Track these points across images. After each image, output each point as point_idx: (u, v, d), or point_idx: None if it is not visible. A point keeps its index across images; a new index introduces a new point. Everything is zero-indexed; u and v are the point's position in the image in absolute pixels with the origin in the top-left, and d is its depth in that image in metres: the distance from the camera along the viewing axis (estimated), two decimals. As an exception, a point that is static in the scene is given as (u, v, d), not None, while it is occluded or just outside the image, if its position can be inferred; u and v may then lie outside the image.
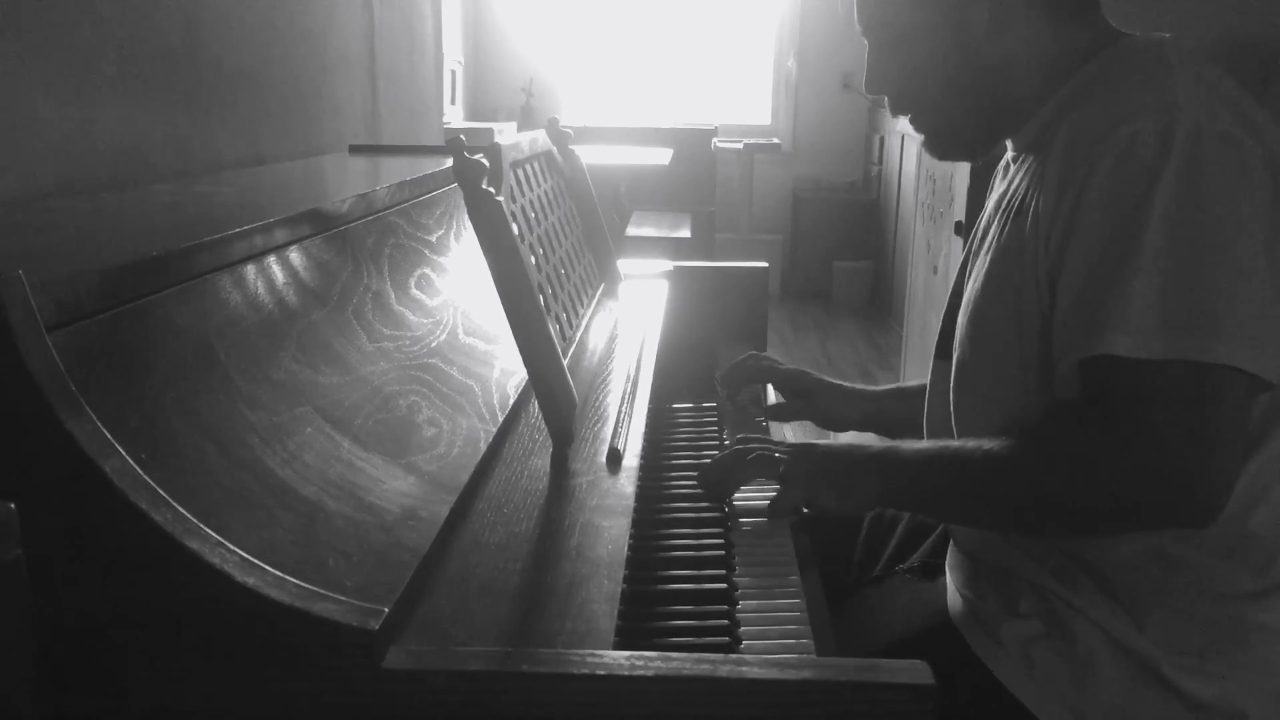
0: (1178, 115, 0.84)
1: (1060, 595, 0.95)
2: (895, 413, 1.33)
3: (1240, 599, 0.91)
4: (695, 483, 1.04)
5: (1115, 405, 0.82)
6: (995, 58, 0.98)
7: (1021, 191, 0.96)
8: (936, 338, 1.12)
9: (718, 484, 1.03)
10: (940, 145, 1.07)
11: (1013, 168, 1.04)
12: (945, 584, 1.08)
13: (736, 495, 1.04)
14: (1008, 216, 0.97)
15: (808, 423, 1.39)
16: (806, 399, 1.36)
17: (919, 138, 1.07)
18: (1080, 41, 0.97)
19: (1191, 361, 0.79)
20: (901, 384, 1.40)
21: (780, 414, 1.37)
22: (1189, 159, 0.82)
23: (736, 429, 1.29)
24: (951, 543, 1.10)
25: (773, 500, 1.00)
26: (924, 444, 0.99)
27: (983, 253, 1.01)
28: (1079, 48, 0.97)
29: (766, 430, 1.32)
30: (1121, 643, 0.92)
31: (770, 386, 1.45)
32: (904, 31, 1.01)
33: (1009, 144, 1.05)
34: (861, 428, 1.37)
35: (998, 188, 1.09)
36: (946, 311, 1.11)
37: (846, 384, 1.38)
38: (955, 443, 0.95)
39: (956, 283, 1.11)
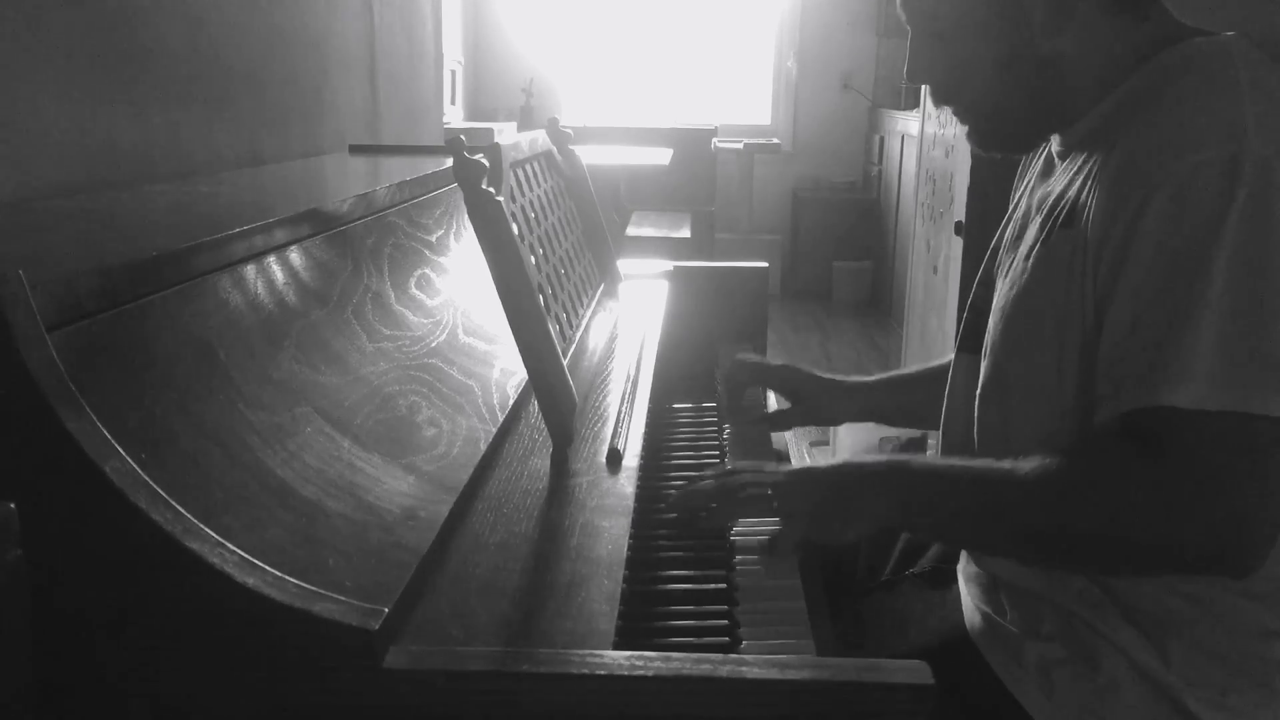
0: (1245, 145, 0.79)
1: (1085, 620, 0.92)
2: (891, 402, 1.31)
3: (1264, 637, 0.89)
4: (668, 507, 0.99)
5: (1167, 451, 0.79)
6: (1051, 52, 0.94)
7: (1073, 198, 0.92)
8: (960, 329, 1.09)
9: (706, 516, 0.97)
10: (986, 138, 1.02)
11: (1060, 165, 1.00)
12: (959, 593, 1.06)
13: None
14: (1054, 221, 0.93)
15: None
16: (804, 398, 1.34)
17: (944, 137, 1.05)
18: (1140, 37, 0.93)
19: (1248, 413, 0.77)
20: (896, 372, 1.37)
21: (780, 422, 1.35)
22: (1256, 198, 0.78)
23: (736, 432, 1.28)
24: (965, 555, 1.08)
25: (773, 538, 0.95)
26: (940, 460, 0.95)
27: (1022, 251, 0.97)
28: (1139, 44, 0.93)
29: (766, 436, 1.30)
30: (1146, 671, 0.90)
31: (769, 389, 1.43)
32: (956, 22, 0.96)
33: (1056, 138, 1.01)
34: (859, 419, 1.35)
35: (1038, 183, 1.04)
36: (972, 303, 1.08)
37: (839, 377, 1.35)
38: (979, 462, 0.90)
39: (984, 273, 1.08)
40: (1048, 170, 1.04)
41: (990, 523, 0.89)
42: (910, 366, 1.37)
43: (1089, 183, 0.90)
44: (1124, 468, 0.82)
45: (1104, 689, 0.91)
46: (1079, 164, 0.94)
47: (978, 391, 1.00)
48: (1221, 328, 0.78)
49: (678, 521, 0.99)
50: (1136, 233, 0.81)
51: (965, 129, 1.03)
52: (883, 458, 0.97)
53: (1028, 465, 0.86)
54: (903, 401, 1.29)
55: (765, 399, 1.44)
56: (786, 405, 1.38)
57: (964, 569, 1.07)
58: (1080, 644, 0.93)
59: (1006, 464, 0.87)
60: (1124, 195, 0.83)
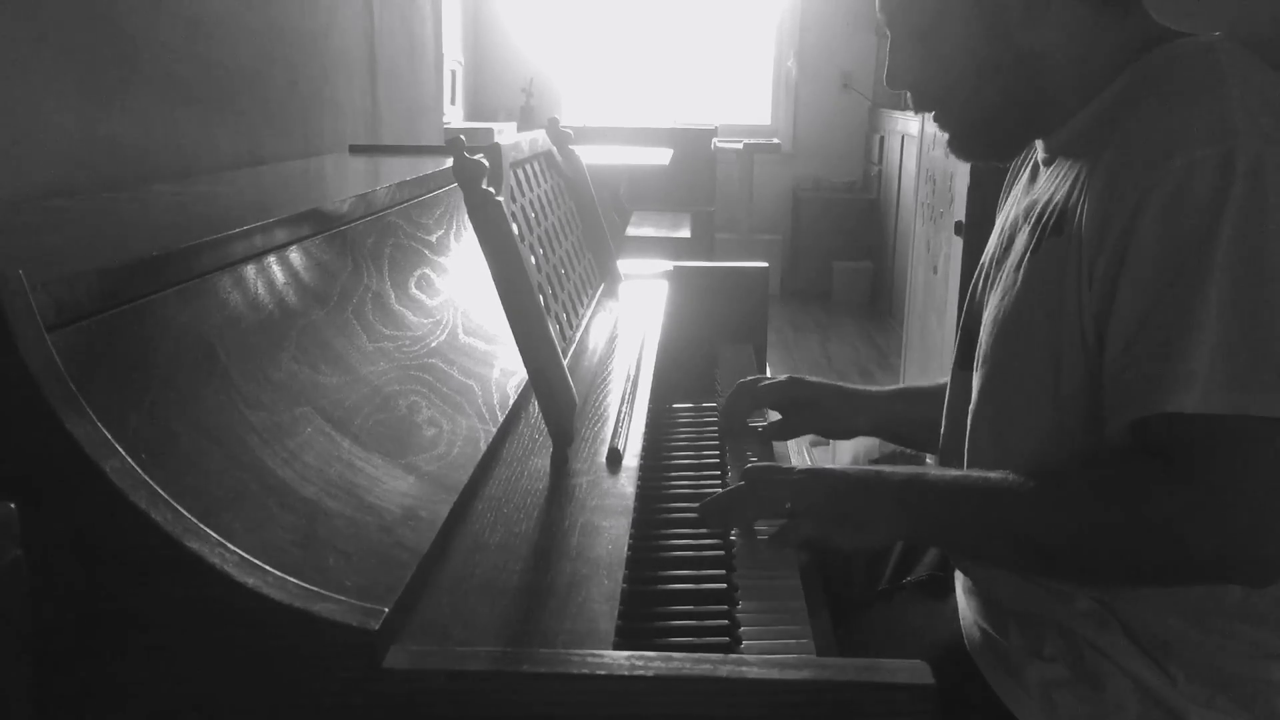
0: (1236, 142, 0.78)
1: (1089, 640, 0.91)
2: (904, 415, 1.26)
3: (1266, 659, 0.88)
4: (696, 512, 0.97)
5: (1175, 459, 0.79)
6: (1031, 47, 0.92)
7: (1059, 205, 0.90)
8: (956, 345, 1.07)
9: (719, 522, 0.96)
10: (967, 145, 1.01)
11: (1044, 172, 0.98)
12: (956, 604, 1.05)
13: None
14: (1043, 231, 0.91)
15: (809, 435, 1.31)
16: (808, 408, 1.27)
17: (944, 137, 1.01)
18: (1123, 38, 0.91)
19: (1258, 416, 0.76)
20: (907, 385, 1.33)
21: (780, 432, 1.27)
22: (1251, 194, 0.77)
23: (738, 439, 1.25)
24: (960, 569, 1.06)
25: (778, 531, 0.94)
26: (954, 473, 0.93)
27: (1011, 262, 0.95)
28: (1122, 45, 0.91)
29: (768, 445, 1.27)
30: (1151, 692, 0.88)
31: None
32: (931, 19, 0.94)
33: (1039, 145, 1.00)
34: (869, 434, 1.30)
35: (1024, 190, 1.03)
36: (965, 319, 1.06)
37: (847, 385, 1.30)
38: (994, 476, 0.88)
39: (974, 286, 1.06)
40: (1034, 179, 1.02)
41: (1005, 542, 0.88)
42: (919, 380, 1.32)
43: (1077, 188, 0.88)
44: (1136, 480, 0.81)
45: (1108, 710, 0.89)
46: (1065, 170, 0.93)
47: (970, 407, 0.99)
48: (1223, 327, 0.77)
49: (702, 524, 0.97)
50: (1133, 238, 0.80)
51: (946, 137, 1.01)
52: (901, 470, 0.93)
53: (1043, 482, 0.85)
54: (914, 416, 1.24)
55: (765, 412, 1.39)
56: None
57: (962, 580, 1.06)
58: (1084, 665, 0.91)
59: (1020, 480, 0.86)
60: (1117, 199, 0.82)
